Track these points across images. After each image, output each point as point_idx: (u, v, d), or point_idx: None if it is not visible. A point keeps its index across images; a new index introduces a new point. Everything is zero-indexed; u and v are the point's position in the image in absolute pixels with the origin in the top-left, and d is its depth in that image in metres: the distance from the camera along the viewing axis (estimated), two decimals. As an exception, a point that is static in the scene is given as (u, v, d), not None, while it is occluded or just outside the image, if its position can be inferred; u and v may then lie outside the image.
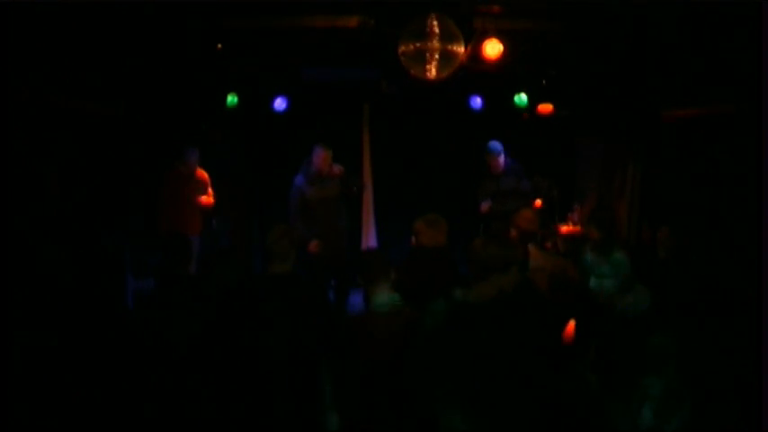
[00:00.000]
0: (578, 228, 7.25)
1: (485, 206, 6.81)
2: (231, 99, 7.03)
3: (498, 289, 3.06)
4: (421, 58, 4.90)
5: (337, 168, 6.61)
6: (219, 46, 5.62)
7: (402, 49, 4.89)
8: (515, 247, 3.17)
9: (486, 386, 2.97)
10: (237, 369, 3.47)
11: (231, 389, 3.48)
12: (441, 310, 3.14)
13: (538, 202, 7.05)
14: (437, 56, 4.87)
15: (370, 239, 8.32)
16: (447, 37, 4.82)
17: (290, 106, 7.53)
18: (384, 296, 3.50)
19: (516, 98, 7.41)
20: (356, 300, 6.48)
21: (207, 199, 6.94)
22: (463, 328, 3.00)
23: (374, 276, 3.51)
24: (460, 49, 4.86)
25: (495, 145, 6.86)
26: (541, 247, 4.73)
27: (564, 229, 7.14)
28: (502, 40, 5.20)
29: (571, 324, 3.49)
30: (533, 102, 7.36)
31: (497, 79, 6.93)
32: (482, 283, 3.08)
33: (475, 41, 5.19)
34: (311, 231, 6.28)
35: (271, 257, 3.80)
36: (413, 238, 4.34)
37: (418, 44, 4.85)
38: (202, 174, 7.02)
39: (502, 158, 6.82)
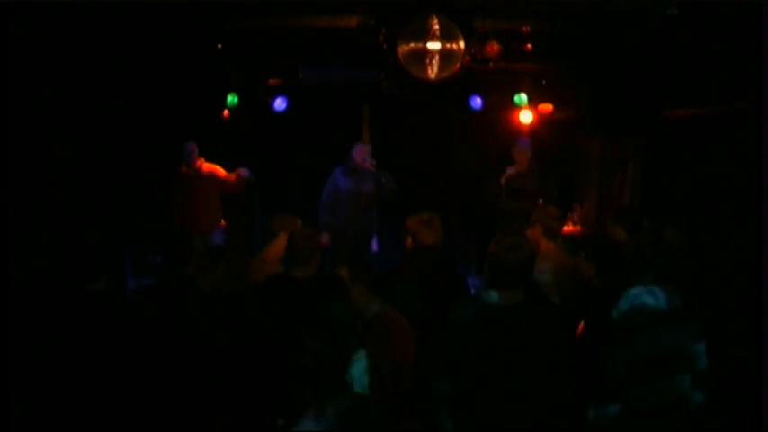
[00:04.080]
0: (578, 228, 7.25)
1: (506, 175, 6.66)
2: (231, 99, 7.04)
3: (523, 294, 3.06)
4: (421, 58, 4.90)
5: (369, 163, 6.66)
6: (219, 46, 5.62)
7: (402, 49, 4.90)
8: (534, 251, 3.16)
9: (500, 390, 2.97)
10: (246, 372, 3.47)
11: (238, 391, 3.48)
12: (470, 311, 3.10)
13: (539, 202, 7.05)
14: (437, 56, 4.87)
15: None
16: (447, 37, 4.82)
17: (289, 106, 7.53)
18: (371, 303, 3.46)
19: (516, 98, 7.41)
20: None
21: (244, 173, 6.89)
22: (495, 331, 2.98)
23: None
24: (461, 48, 4.86)
25: (525, 141, 6.79)
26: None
27: (564, 229, 7.13)
28: (502, 40, 5.20)
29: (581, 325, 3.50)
30: (533, 101, 7.36)
31: (497, 79, 6.94)
32: (509, 289, 3.05)
33: (475, 41, 5.19)
34: (336, 220, 6.30)
35: (293, 261, 3.77)
36: (408, 239, 4.19)
37: (418, 44, 4.85)
38: (210, 167, 6.94)
39: (530, 155, 6.72)
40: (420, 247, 4.12)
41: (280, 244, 4.13)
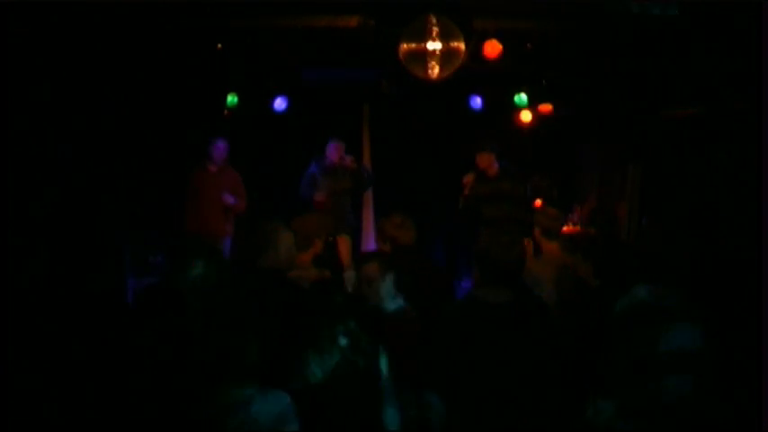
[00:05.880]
0: (578, 228, 7.24)
1: (467, 178, 6.57)
2: (231, 99, 7.04)
3: (514, 292, 3.07)
4: (421, 58, 4.91)
5: (349, 159, 6.69)
6: (219, 46, 5.62)
7: (402, 49, 4.90)
8: (524, 251, 3.19)
9: (489, 388, 2.97)
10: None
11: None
12: (461, 310, 3.12)
13: (538, 202, 7.04)
14: (438, 56, 4.88)
15: (369, 240, 8.32)
16: (447, 36, 4.82)
17: (289, 106, 7.53)
18: (395, 299, 3.49)
19: (516, 98, 7.41)
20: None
21: (227, 198, 6.71)
22: (481, 327, 2.99)
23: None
24: (461, 48, 4.87)
25: (491, 144, 6.63)
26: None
27: (564, 229, 7.12)
28: (502, 40, 5.20)
29: None
30: (533, 101, 7.37)
31: (497, 79, 6.95)
32: (500, 286, 3.06)
33: (475, 41, 5.19)
34: None
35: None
36: (387, 244, 4.26)
37: (418, 44, 4.86)
38: (232, 173, 6.87)
39: (495, 158, 6.58)
40: (400, 248, 4.22)
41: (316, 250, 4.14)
